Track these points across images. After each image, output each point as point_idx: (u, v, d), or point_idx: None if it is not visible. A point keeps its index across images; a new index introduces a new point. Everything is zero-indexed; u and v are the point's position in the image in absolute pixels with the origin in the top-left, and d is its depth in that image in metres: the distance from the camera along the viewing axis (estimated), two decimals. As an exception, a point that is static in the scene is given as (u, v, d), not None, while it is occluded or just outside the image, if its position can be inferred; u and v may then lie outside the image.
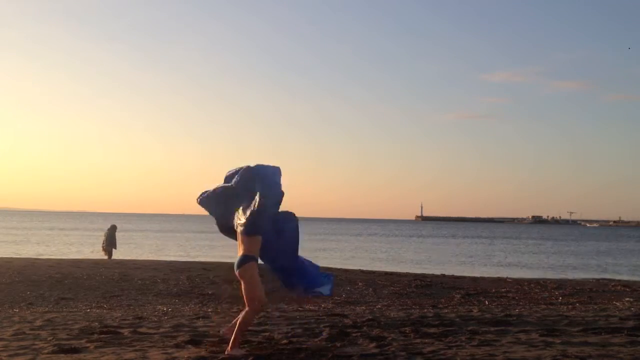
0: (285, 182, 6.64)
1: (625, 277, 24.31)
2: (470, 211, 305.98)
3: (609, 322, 8.52)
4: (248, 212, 6.24)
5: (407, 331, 7.69)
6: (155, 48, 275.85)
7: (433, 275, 19.64)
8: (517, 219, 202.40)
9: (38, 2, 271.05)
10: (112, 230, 22.80)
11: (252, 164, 6.62)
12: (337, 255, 36.82)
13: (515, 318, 8.83)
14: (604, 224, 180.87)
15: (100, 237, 26.48)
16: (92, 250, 32.68)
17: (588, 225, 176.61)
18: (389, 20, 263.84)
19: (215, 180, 7.03)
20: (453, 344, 6.87)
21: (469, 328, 7.96)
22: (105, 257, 22.32)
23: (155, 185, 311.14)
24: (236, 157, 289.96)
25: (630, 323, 8.39)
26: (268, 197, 6.27)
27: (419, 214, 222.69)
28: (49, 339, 7.15)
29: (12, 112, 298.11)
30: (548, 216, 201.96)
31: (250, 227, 6.18)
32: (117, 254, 23.55)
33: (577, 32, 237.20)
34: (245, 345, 6.74)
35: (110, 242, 22.58)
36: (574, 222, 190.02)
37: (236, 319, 6.57)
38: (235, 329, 6.33)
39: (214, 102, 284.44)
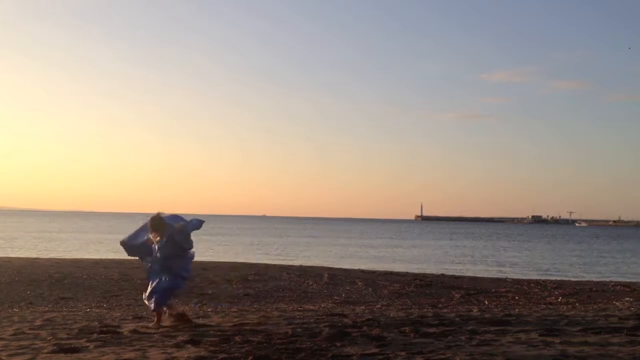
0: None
1: (624, 277, 24.33)
2: (470, 211, 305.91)
3: (609, 321, 8.53)
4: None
5: (407, 331, 7.69)
6: (156, 47, 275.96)
7: (433, 275, 19.65)
8: (516, 218, 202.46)
9: (38, 1, 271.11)
10: None
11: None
12: (337, 255, 36.84)
13: (514, 318, 8.84)
14: (592, 224, 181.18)
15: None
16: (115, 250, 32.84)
17: (577, 225, 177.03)
18: (390, 20, 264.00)
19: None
20: (452, 344, 6.87)
21: (469, 328, 7.96)
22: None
23: (156, 184, 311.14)
24: (237, 156, 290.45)
25: (630, 323, 8.40)
26: None
27: (419, 214, 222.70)
28: (48, 338, 7.15)
29: (12, 112, 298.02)
30: (548, 216, 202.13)
31: None
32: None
33: (577, 32, 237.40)
34: (245, 345, 6.74)
35: None
36: (571, 222, 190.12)
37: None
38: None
39: (215, 102, 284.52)
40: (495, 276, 21.36)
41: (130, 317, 9.03)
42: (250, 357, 6.17)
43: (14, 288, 13.31)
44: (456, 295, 13.82)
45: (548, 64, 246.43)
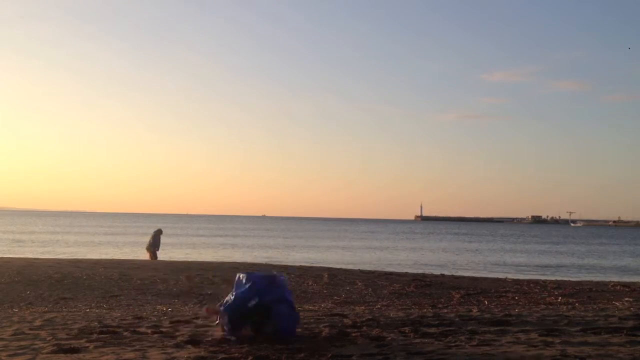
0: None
1: (624, 277, 24.33)
2: (470, 211, 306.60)
3: (609, 322, 8.52)
4: None
5: (407, 331, 7.68)
6: (156, 47, 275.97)
7: (432, 275, 19.64)
8: (516, 219, 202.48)
9: (39, 1, 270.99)
10: (158, 233, 24.08)
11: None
12: (337, 255, 36.84)
13: (514, 318, 8.83)
14: (591, 224, 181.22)
15: (143, 240, 27.68)
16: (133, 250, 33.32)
17: (572, 225, 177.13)
18: (390, 20, 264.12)
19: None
20: (452, 344, 6.87)
21: (469, 328, 7.96)
22: (149, 258, 23.18)
23: (156, 185, 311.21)
24: (238, 156, 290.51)
25: (630, 323, 8.39)
26: None
27: (419, 214, 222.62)
28: (48, 338, 7.15)
29: (12, 112, 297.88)
30: (547, 216, 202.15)
31: None
32: (142, 253, 24.49)
33: (577, 32, 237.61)
34: (245, 345, 6.74)
35: (154, 244, 23.67)
36: (570, 222, 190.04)
37: None
38: None
39: (215, 101, 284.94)
40: (495, 276, 21.35)
41: (130, 317, 9.02)
42: (250, 357, 6.16)
43: (13, 288, 13.30)
44: (456, 295, 13.81)
45: (548, 64, 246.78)
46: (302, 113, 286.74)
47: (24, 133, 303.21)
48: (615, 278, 23.50)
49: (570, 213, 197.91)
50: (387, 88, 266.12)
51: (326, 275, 16.98)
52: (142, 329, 7.82)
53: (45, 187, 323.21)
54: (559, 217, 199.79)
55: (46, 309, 10.71)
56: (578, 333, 7.64)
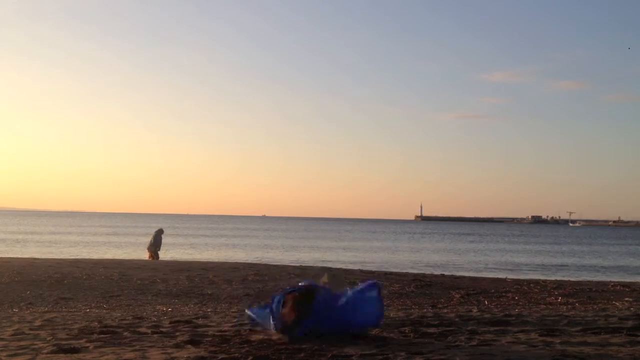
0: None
1: (624, 277, 24.33)
2: (470, 211, 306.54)
3: (609, 322, 8.52)
4: None
5: (407, 331, 7.68)
6: (156, 47, 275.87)
7: (432, 275, 19.64)
8: (516, 219, 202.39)
9: (39, 1, 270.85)
10: (159, 233, 24.16)
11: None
12: (336, 255, 36.84)
13: (514, 318, 8.83)
14: (591, 224, 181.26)
15: (143, 240, 27.96)
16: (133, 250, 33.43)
17: (571, 225, 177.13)
18: (390, 20, 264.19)
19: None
20: (452, 344, 6.87)
21: (469, 328, 7.95)
22: (149, 258, 23.24)
23: (156, 185, 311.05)
24: (237, 156, 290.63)
25: (630, 323, 8.39)
26: None
27: (419, 214, 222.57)
28: (48, 339, 7.15)
29: (12, 111, 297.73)
30: (547, 216, 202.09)
31: None
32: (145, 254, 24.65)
33: (577, 32, 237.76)
34: (245, 345, 6.74)
35: (155, 244, 23.77)
36: (571, 222, 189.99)
37: None
38: None
39: (215, 102, 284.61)
40: (495, 276, 21.36)
41: (130, 317, 9.02)
42: (250, 357, 6.16)
43: (13, 288, 13.31)
44: (456, 295, 13.80)
45: (548, 64, 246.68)
46: (302, 113, 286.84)
47: (24, 133, 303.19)
48: (615, 278, 23.51)
49: (570, 213, 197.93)
50: (387, 88, 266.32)
51: (326, 275, 16.97)
52: (142, 329, 7.82)
53: (45, 187, 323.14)
54: (559, 217, 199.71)
55: (46, 309, 10.71)
56: (578, 333, 7.64)
